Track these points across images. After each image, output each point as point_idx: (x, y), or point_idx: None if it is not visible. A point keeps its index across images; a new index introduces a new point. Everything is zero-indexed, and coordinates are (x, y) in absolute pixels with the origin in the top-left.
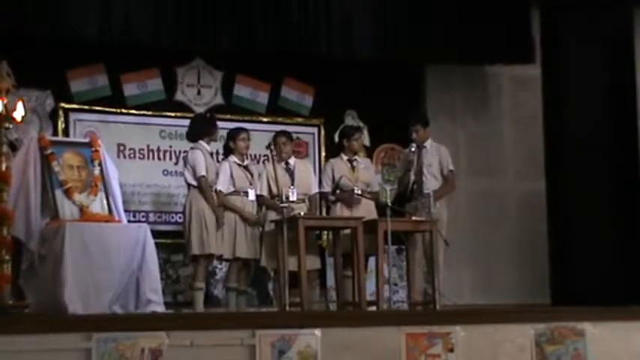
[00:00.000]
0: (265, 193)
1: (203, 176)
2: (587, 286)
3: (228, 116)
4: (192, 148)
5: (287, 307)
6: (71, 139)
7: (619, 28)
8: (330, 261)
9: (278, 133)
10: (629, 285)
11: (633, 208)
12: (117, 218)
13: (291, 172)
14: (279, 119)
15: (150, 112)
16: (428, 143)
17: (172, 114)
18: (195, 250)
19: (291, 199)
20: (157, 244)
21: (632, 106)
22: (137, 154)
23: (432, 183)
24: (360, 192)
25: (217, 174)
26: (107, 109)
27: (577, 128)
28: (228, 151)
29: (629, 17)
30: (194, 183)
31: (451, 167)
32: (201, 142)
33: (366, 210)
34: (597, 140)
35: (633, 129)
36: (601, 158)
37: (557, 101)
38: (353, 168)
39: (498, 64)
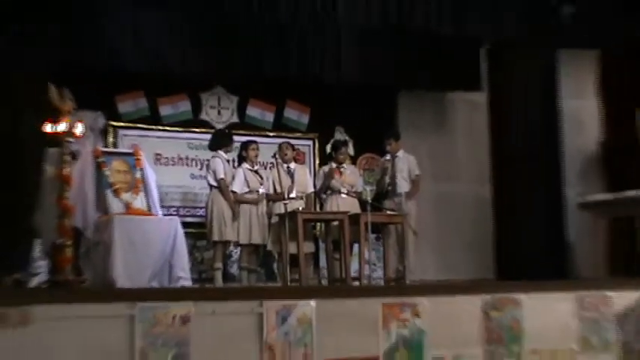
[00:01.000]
0: (271, 191)
1: (222, 179)
2: (522, 265)
3: (242, 131)
4: (213, 157)
5: (288, 283)
6: (118, 150)
7: (546, 65)
8: (322, 246)
9: (282, 145)
10: (555, 264)
11: (558, 205)
12: (154, 213)
13: (291, 175)
14: (283, 134)
15: (180, 128)
16: (400, 153)
17: (198, 130)
18: (215, 237)
19: (291, 196)
20: (185, 233)
21: (556, 125)
22: (170, 162)
23: (403, 185)
24: (346, 192)
25: (233, 177)
26: (146, 126)
27: (515, 142)
28: (241, 159)
29: (554, 56)
30: (215, 184)
31: (418, 172)
32: (220, 151)
33: (351, 206)
34: (530, 151)
35: (558, 142)
36: (533, 166)
37: (500, 121)
38: (341, 173)
39: (455, 91)
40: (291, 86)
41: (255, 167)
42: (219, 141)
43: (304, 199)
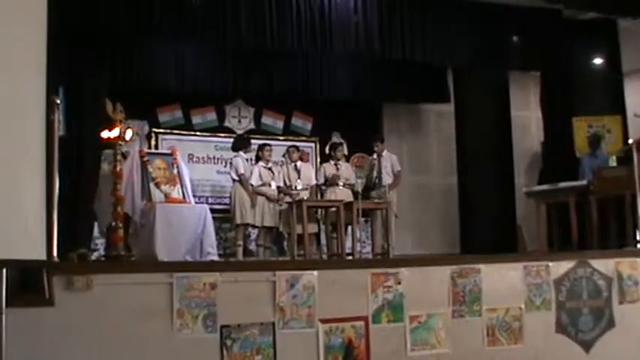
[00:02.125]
0: (282, 184)
1: (242, 174)
2: (481, 242)
3: (258, 136)
4: (235, 156)
5: (296, 257)
6: (159, 151)
7: (500, 82)
8: (323, 228)
9: (290, 147)
10: (507, 241)
11: (509, 193)
12: (188, 201)
13: (298, 171)
14: (290, 138)
15: (208, 134)
16: (384, 153)
17: (222, 135)
18: (237, 220)
19: (298, 188)
20: (213, 218)
21: (508, 130)
22: (200, 161)
23: (387, 179)
24: (342, 184)
25: (251, 173)
26: (182, 132)
27: (475, 143)
28: (258, 158)
29: (505, 76)
30: (237, 179)
31: (399, 168)
32: (240, 152)
33: (346, 195)
34: (488, 150)
35: (509, 144)
36: (490, 162)
37: (463, 126)
38: (337, 169)
39: (427, 103)
40: (298, 100)
41: (269, 165)
42: (240, 144)
43: (308, 190)
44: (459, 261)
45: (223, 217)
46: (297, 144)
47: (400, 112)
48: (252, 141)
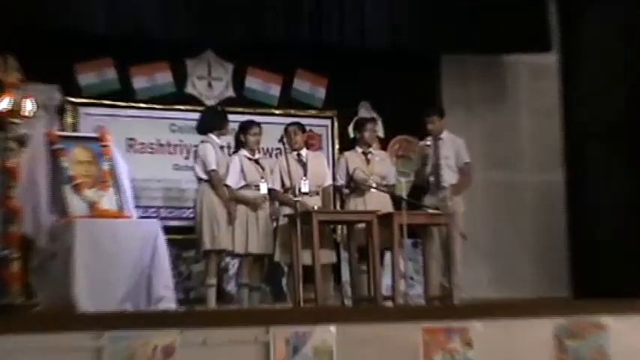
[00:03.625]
0: (278, 186)
1: (213, 170)
2: (608, 278)
3: (240, 109)
4: (202, 142)
5: (301, 303)
6: (80, 133)
7: (633, 14)
8: (344, 255)
9: (290, 125)
10: None
11: None
12: (127, 214)
13: (303, 164)
14: (292, 112)
15: (160, 106)
16: (444, 135)
17: (183, 107)
18: (207, 245)
19: (303, 190)
20: (168, 240)
21: None
22: (147, 149)
23: (448, 175)
24: (375, 185)
25: (228, 168)
26: (116, 103)
27: (595, 117)
28: (239, 145)
29: None
30: (204, 177)
31: (467, 159)
32: (211, 135)
33: (382, 203)
34: (616, 129)
35: None
36: (620, 147)
37: (575, 89)
38: (368, 160)
39: (515, 53)
40: (303, 51)
41: (257, 156)
42: (210, 122)
43: (320, 194)
44: (568, 310)
45: (185, 239)
46: (302, 121)
47: (470, 68)
48: (231, 117)
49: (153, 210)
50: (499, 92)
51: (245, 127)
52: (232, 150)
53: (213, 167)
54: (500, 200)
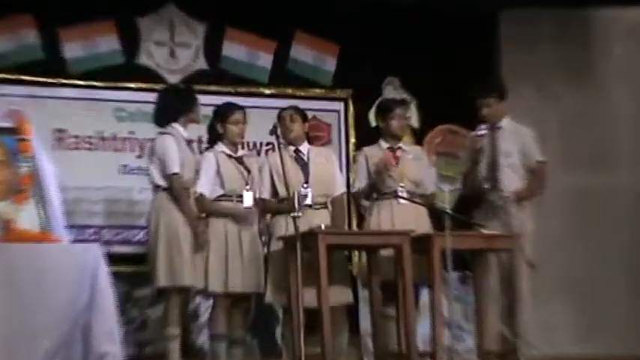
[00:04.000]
0: (268, 195)
1: (175, 173)
2: None
3: (215, 87)
4: (161, 134)
5: None
6: None
7: None
8: (364, 294)
9: (285, 111)
10: None
11: None
12: (55, 236)
13: (304, 164)
14: (289, 91)
15: (101, 84)
16: (505, 123)
17: (134, 85)
18: (165, 280)
19: (306, 202)
20: (114, 274)
21: None
22: (83, 144)
23: (511, 180)
24: (406, 193)
25: (198, 171)
26: (39, 79)
27: None
28: (215, 138)
29: None
30: (163, 183)
31: (539, 157)
32: (174, 124)
33: (416, 220)
34: None
35: None
36: None
37: None
38: (396, 160)
39: (604, 6)
40: (304, 6)
41: (240, 153)
42: (173, 106)
43: (329, 207)
44: None
45: (137, 272)
46: (305, 105)
47: (540, 29)
48: (203, 99)
49: (92, 231)
50: (582, 63)
51: (223, 112)
52: (204, 146)
53: (175, 170)
54: (586, 214)
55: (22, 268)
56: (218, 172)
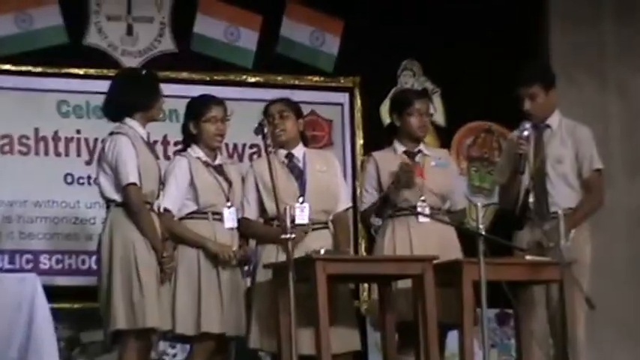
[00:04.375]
0: (254, 214)
1: (133, 184)
2: None
3: (184, 74)
4: (114, 133)
5: None
6: None
7: None
8: (375, 338)
9: (274, 102)
10: None
11: None
12: None
13: (299, 173)
14: (279, 79)
15: (39, 69)
16: (554, 120)
17: (80, 71)
18: (123, 321)
19: (299, 220)
20: (55, 311)
21: None
22: (16, 146)
23: (562, 192)
24: (428, 209)
25: (163, 182)
26: None
27: None
28: (188, 139)
29: None
30: (117, 197)
31: (598, 165)
32: (130, 121)
33: (441, 243)
34: None
35: None
36: None
37: None
38: (419, 167)
39: None
40: None
41: (219, 159)
42: (130, 97)
43: (330, 227)
44: None
45: (85, 308)
46: (300, 96)
47: (603, 2)
48: (169, 89)
49: (28, 257)
50: None
51: (197, 108)
52: (171, 149)
53: (132, 179)
54: None
55: None
56: (191, 183)
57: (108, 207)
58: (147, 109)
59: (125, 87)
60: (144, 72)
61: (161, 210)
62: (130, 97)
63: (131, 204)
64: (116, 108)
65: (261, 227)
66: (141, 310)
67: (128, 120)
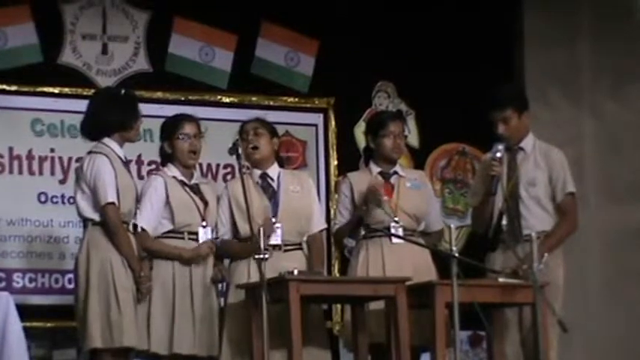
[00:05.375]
0: (228, 234)
1: (112, 203)
2: None
3: (160, 94)
4: (92, 153)
5: None
6: None
7: None
8: (348, 359)
9: (248, 124)
10: None
11: None
12: None
13: (272, 193)
14: (254, 99)
15: (13, 87)
16: (527, 142)
17: (55, 90)
18: (99, 340)
19: (273, 241)
20: (29, 330)
21: None
22: None
23: (535, 215)
24: (401, 231)
25: (139, 199)
26: None
27: None
28: (164, 161)
29: None
30: (95, 216)
31: (571, 188)
32: (109, 141)
33: (414, 265)
34: None
35: None
36: None
37: None
38: (391, 188)
39: None
40: None
41: (196, 179)
42: (107, 116)
43: (304, 248)
44: None
45: (59, 327)
46: (274, 117)
47: (580, 20)
48: (145, 108)
49: (1, 275)
50: (631, 65)
51: (169, 126)
52: (146, 169)
53: (110, 199)
54: (634, 259)
55: None
56: (167, 203)
57: (85, 226)
58: (126, 130)
59: (105, 106)
60: (123, 92)
61: (138, 229)
62: (110, 116)
63: (109, 223)
64: (95, 127)
65: (237, 244)
66: (118, 329)
67: (107, 140)
